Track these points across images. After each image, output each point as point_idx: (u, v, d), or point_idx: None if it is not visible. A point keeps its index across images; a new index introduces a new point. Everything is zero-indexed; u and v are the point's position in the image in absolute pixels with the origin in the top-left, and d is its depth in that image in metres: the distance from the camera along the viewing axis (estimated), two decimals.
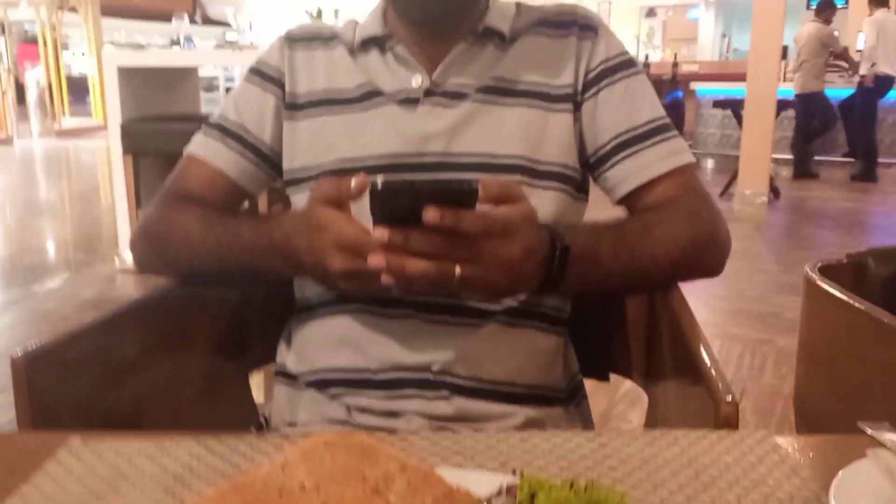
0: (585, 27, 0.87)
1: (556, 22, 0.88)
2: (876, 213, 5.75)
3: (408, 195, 0.60)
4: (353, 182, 0.64)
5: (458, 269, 0.62)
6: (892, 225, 5.29)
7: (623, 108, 0.85)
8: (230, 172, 0.89)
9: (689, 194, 0.83)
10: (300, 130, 0.88)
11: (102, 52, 3.47)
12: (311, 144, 0.87)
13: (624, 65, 0.87)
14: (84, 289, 3.58)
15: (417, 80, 0.85)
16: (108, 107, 3.51)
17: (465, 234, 0.61)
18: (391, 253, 0.61)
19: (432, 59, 0.86)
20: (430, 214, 0.58)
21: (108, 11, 14.10)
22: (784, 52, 6.67)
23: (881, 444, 0.45)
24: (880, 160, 6.87)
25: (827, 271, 0.89)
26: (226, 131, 0.90)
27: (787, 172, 7.13)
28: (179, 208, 0.85)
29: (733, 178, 5.86)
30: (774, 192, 5.79)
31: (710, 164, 7.89)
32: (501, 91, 0.85)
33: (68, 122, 12.49)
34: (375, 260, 0.61)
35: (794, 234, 4.94)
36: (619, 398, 2.03)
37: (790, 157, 7.15)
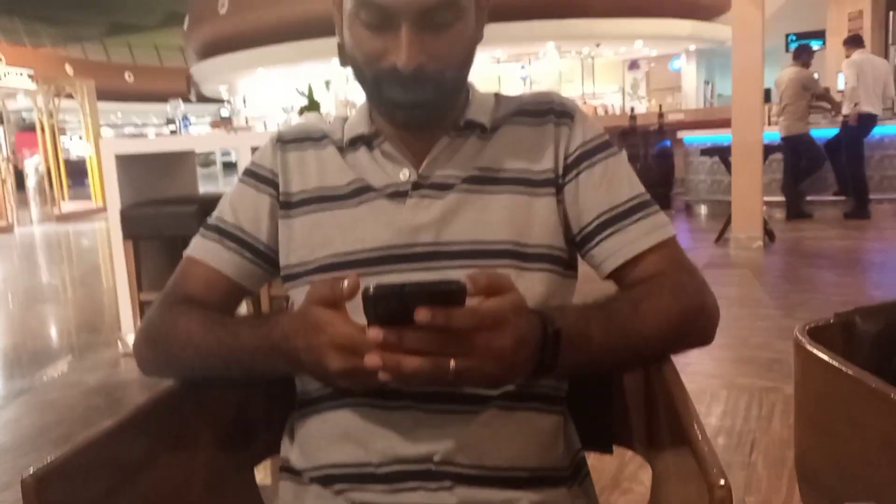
0: (562, 114, 0.91)
1: (533, 111, 0.92)
2: (872, 251, 5.78)
3: (399, 298, 0.62)
4: (346, 283, 0.67)
5: (452, 363, 0.64)
6: (889, 261, 5.32)
7: (603, 187, 0.88)
8: (229, 272, 0.92)
9: (674, 267, 0.86)
10: (295, 227, 0.91)
11: (100, 141, 3.54)
12: (305, 241, 0.89)
13: (601, 147, 0.91)
14: (88, 375, 3.57)
15: (405, 174, 0.88)
16: (108, 193, 3.57)
17: (457, 330, 0.63)
18: (386, 351, 0.63)
19: (418, 153, 0.89)
20: (422, 315, 0.61)
21: (104, 96, 14.45)
22: (767, 96, 6.82)
23: None
24: (872, 196, 6.94)
25: (816, 332, 0.91)
26: (223, 232, 0.93)
27: (780, 214, 7.19)
28: (181, 311, 0.87)
29: (727, 223, 5.91)
30: (769, 235, 5.84)
31: (703, 210, 7.96)
32: (486, 180, 0.88)
33: (67, 206, 12.64)
34: (372, 360, 0.64)
35: (793, 277, 4.95)
36: (628, 459, 2.01)
37: (782, 199, 7.22)
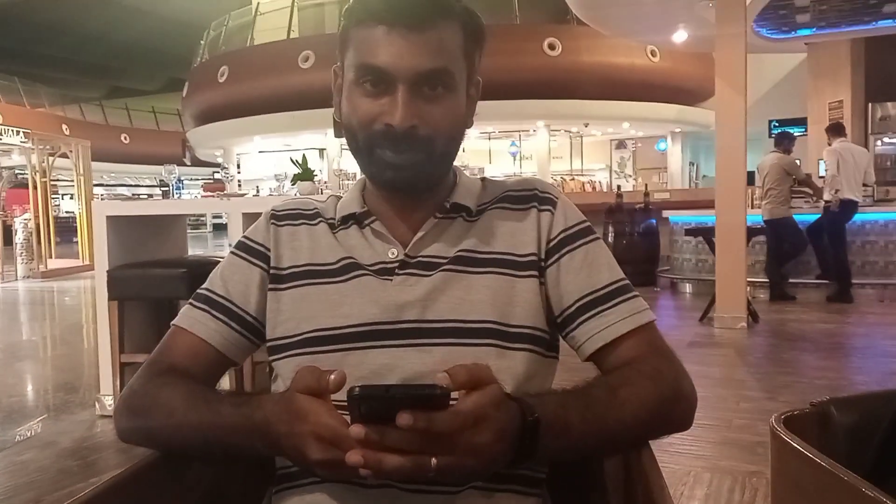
0: (545, 200, 0.96)
1: (517, 197, 0.97)
2: (855, 335, 5.83)
3: (383, 400, 0.64)
4: (332, 378, 0.69)
5: (433, 461, 0.65)
6: (871, 346, 5.36)
7: (584, 272, 0.92)
8: (215, 343, 0.93)
9: (652, 352, 0.88)
10: (283, 301, 0.93)
11: (92, 202, 3.57)
12: (292, 314, 0.91)
13: (582, 233, 0.95)
14: (63, 436, 3.49)
15: (393, 253, 0.92)
16: (96, 254, 3.58)
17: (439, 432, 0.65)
18: (368, 448, 0.65)
19: (406, 233, 0.94)
20: (404, 419, 0.63)
21: (100, 156, 14.58)
22: (750, 179, 6.97)
23: None
24: (854, 281, 7.03)
25: (792, 422, 0.92)
26: (212, 303, 0.95)
27: (764, 296, 7.26)
28: (163, 382, 0.87)
29: (711, 302, 5.95)
30: (753, 315, 5.88)
31: (688, 288, 8.03)
32: (470, 260, 0.91)
33: (54, 263, 12.56)
34: (353, 457, 0.65)
35: (776, 359, 4.97)
36: None
37: (766, 280, 7.31)
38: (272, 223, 0.98)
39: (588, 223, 0.97)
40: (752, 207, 7.37)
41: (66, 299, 9.85)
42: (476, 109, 0.96)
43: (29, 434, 3.58)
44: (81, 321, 7.54)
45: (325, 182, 6.74)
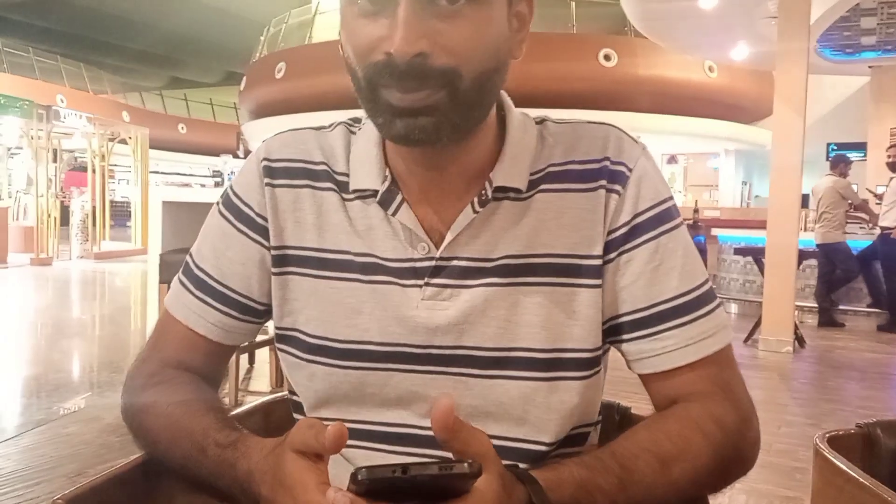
0: (615, 176, 0.73)
1: (582, 171, 0.74)
2: None
3: (394, 487, 0.51)
4: (329, 436, 0.53)
5: None
6: None
7: (645, 277, 0.72)
8: (214, 336, 0.79)
9: (716, 391, 0.72)
10: (290, 288, 0.77)
11: (149, 188, 3.69)
12: (302, 307, 0.76)
13: (655, 220, 0.73)
14: (107, 412, 3.60)
15: (423, 249, 0.72)
16: (151, 237, 3.70)
17: None
18: None
19: (436, 222, 0.73)
20: None
21: (156, 144, 14.96)
22: (805, 202, 6.82)
23: None
24: None
25: (836, 441, 0.91)
26: (206, 289, 0.78)
27: (812, 320, 7.09)
28: (151, 400, 0.75)
29: (757, 324, 5.84)
30: (799, 340, 5.76)
31: (734, 308, 7.88)
32: (519, 269, 0.72)
33: (107, 245, 12.96)
34: None
35: (821, 386, 4.85)
36: None
37: (815, 305, 7.14)
38: (266, 182, 0.76)
39: (667, 204, 0.74)
40: (805, 230, 7.22)
41: (116, 281, 10.14)
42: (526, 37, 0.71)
43: (74, 409, 3.70)
44: (129, 303, 7.75)
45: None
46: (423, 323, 0.72)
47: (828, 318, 6.99)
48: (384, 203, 0.73)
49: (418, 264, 0.72)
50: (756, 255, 6.26)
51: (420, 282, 0.72)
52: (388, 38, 0.61)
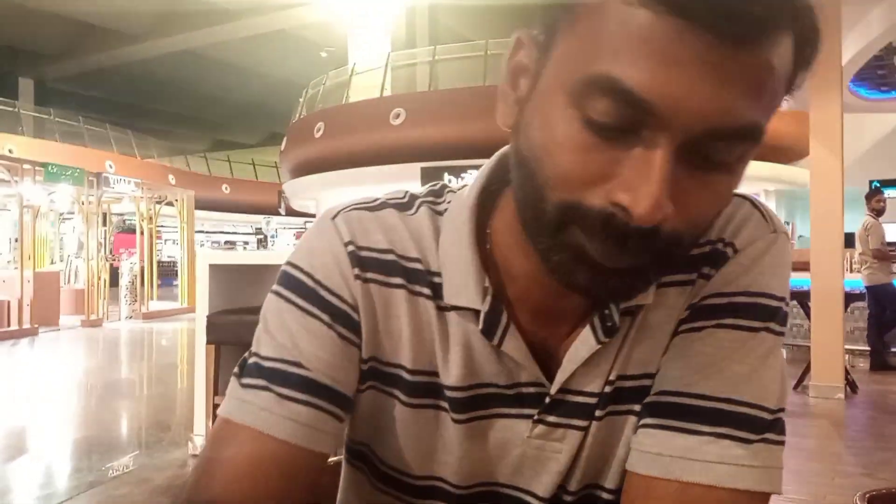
0: (718, 258, 0.59)
1: (689, 257, 0.58)
2: None
3: None
4: None
5: None
6: None
7: (692, 360, 0.56)
8: (326, 447, 0.58)
9: None
10: (378, 408, 0.63)
11: (196, 251, 3.82)
12: (387, 435, 0.63)
13: (735, 309, 0.57)
14: (156, 473, 3.67)
15: (531, 377, 0.60)
16: (198, 299, 3.80)
17: None
18: None
19: (546, 340, 0.60)
20: None
21: (201, 205, 15.39)
22: (849, 241, 6.67)
23: None
24: None
25: (877, 502, 0.91)
26: (318, 390, 0.57)
27: (864, 364, 6.89)
28: None
29: (806, 370, 5.70)
30: (851, 385, 5.59)
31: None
32: (618, 396, 0.60)
33: (154, 304, 13.28)
34: None
35: (876, 433, 4.70)
36: None
37: (866, 348, 6.94)
38: (357, 273, 0.59)
39: (771, 302, 0.58)
40: (851, 271, 7.06)
41: (163, 341, 10.35)
42: None
43: (123, 470, 3.78)
44: (176, 362, 7.91)
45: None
46: (533, 466, 0.61)
47: (880, 362, 6.78)
48: (487, 331, 0.58)
49: (525, 394, 0.60)
50: (801, 299, 6.14)
51: (531, 407, 0.60)
52: (627, 186, 0.45)
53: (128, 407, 5.63)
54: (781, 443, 0.56)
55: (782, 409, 0.57)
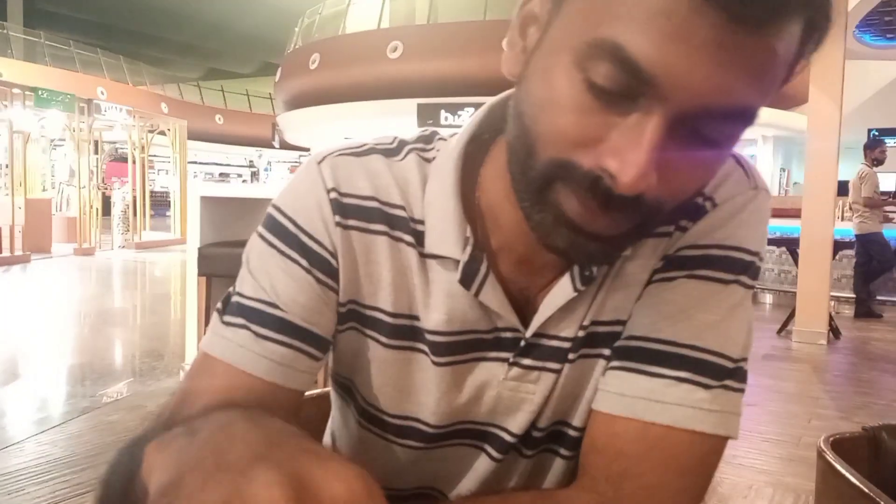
0: (694, 211, 0.60)
1: (671, 212, 0.54)
2: None
3: None
4: None
5: None
6: None
7: (661, 308, 0.59)
8: (288, 382, 0.59)
9: (670, 479, 0.56)
10: (359, 348, 0.65)
11: (188, 183, 3.79)
12: (366, 374, 0.65)
13: (708, 261, 0.59)
14: (149, 400, 3.73)
15: (510, 325, 0.62)
16: (189, 231, 3.80)
17: None
18: None
19: (527, 293, 0.63)
20: None
21: (194, 135, 15.21)
22: (843, 190, 6.67)
23: None
24: None
25: (840, 444, 0.93)
26: (295, 332, 0.59)
27: (849, 311, 7.00)
28: None
29: (791, 315, 5.79)
30: (834, 332, 5.69)
31: (768, 299, 7.81)
32: (591, 340, 0.63)
33: (147, 235, 13.26)
34: None
35: (855, 378, 4.80)
36: None
37: (852, 295, 7.04)
38: (338, 220, 0.60)
39: (744, 256, 0.60)
40: (843, 220, 7.09)
41: (156, 272, 10.38)
42: None
43: (117, 396, 3.84)
44: (170, 292, 7.95)
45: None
46: (507, 404, 0.65)
47: (865, 309, 6.89)
48: (465, 281, 0.59)
49: (503, 338, 0.63)
50: (790, 245, 6.18)
51: (508, 351, 0.63)
52: (615, 152, 0.46)
53: (121, 335, 5.69)
54: (741, 390, 0.59)
55: (745, 359, 0.59)
